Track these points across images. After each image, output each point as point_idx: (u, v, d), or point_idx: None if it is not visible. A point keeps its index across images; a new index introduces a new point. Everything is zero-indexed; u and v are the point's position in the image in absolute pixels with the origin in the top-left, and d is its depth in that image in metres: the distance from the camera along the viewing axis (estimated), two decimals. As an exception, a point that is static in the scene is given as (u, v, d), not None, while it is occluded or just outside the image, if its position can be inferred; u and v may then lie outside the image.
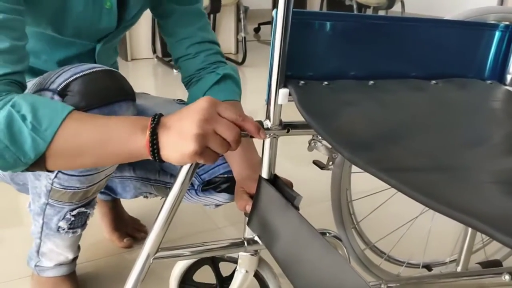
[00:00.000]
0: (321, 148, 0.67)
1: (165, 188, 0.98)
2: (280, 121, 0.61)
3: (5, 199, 1.42)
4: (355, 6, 3.78)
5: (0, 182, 0.96)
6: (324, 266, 0.54)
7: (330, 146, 0.66)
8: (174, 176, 0.96)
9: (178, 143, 0.54)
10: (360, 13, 3.75)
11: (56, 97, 0.69)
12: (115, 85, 0.73)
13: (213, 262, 0.81)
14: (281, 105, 0.59)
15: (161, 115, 0.57)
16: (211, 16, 3.29)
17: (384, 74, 0.69)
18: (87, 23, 0.81)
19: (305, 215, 0.57)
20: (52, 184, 0.79)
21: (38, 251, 0.92)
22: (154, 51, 3.36)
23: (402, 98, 0.65)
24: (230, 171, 0.86)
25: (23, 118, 0.57)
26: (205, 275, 0.82)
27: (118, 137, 0.58)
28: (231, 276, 0.83)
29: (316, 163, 0.71)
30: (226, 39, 3.58)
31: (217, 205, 0.94)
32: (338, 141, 0.50)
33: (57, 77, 0.70)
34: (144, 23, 3.23)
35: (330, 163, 0.69)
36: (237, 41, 3.62)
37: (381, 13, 3.86)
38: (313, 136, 0.67)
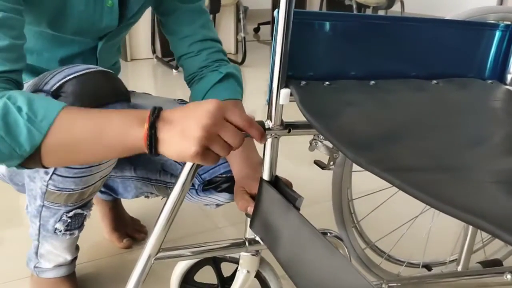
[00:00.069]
0: (322, 148, 0.67)
1: (166, 188, 0.98)
2: (282, 121, 0.61)
3: (5, 200, 1.42)
4: (354, 6, 3.78)
5: (0, 184, 0.96)
6: (326, 266, 0.54)
7: (331, 146, 0.66)
8: (175, 176, 0.96)
9: (180, 142, 0.53)
10: (360, 13, 3.75)
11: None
12: (109, 86, 0.72)
13: (215, 263, 0.81)
14: (282, 105, 0.59)
15: (160, 108, 0.56)
16: (211, 16, 3.29)
17: (385, 74, 0.69)
18: (88, 22, 0.81)
19: (306, 215, 0.57)
20: (47, 186, 0.79)
21: (36, 253, 0.92)
22: (154, 51, 3.36)
23: (403, 98, 0.66)
24: (230, 171, 0.86)
25: (19, 109, 0.56)
26: (205, 275, 0.82)
27: (114, 128, 0.57)
28: (232, 277, 0.83)
29: (317, 163, 0.71)
30: (226, 39, 3.58)
31: (217, 205, 0.94)
32: (341, 141, 0.50)
33: (51, 78, 0.70)
34: (144, 23, 3.23)
35: (331, 163, 0.69)
36: (237, 41, 3.62)
37: (381, 13, 3.86)
38: (314, 136, 0.68)
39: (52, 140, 0.57)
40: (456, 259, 1.05)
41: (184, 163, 0.61)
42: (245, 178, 0.78)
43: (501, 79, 0.77)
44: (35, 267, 0.95)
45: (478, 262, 1.06)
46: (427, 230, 1.06)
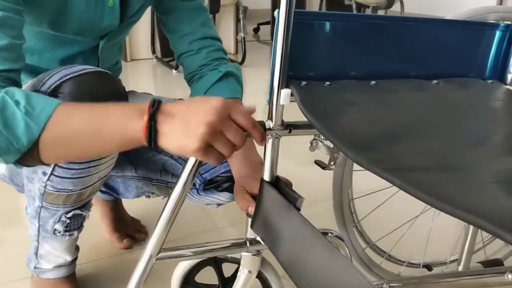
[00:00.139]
0: (323, 148, 0.67)
1: (167, 188, 0.98)
2: (282, 121, 0.61)
3: (5, 200, 1.42)
4: (354, 6, 3.78)
5: (0, 184, 0.96)
6: (326, 267, 0.54)
7: (332, 146, 0.66)
8: (176, 175, 0.96)
9: (182, 136, 0.53)
10: (359, 13, 3.75)
11: None
12: (107, 86, 0.72)
13: (216, 263, 0.81)
14: (283, 105, 0.59)
15: (160, 101, 0.55)
16: (210, 16, 3.29)
17: (385, 74, 0.69)
18: (90, 22, 0.81)
19: (306, 215, 0.57)
20: (45, 187, 0.79)
21: (36, 253, 0.92)
22: (154, 52, 3.36)
23: (404, 98, 0.66)
24: (231, 170, 0.86)
25: (17, 103, 0.56)
26: (206, 276, 0.82)
27: (113, 121, 0.56)
28: (232, 277, 0.83)
29: (317, 163, 0.71)
30: (226, 39, 3.58)
31: (218, 204, 0.94)
32: (342, 141, 0.50)
33: (48, 79, 0.70)
34: (144, 23, 3.23)
35: (332, 163, 0.69)
36: (237, 41, 3.62)
37: (380, 12, 3.86)
38: (315, 136, 0.68)
39: (50, 134, 0.56)
40: (457, 259, 1.05)
41: (185, 163, 0.61)
42: (245, 178, 0.78)
43: (502, 79, 0.77)
44: (35, 267, 0.95)
45: (479, 262, 1.06)
46: (427, 230, 1.06)
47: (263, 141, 0.58)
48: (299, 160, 1.76)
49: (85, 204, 0.87)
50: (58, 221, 0.85)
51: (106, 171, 0.83)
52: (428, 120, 0.61)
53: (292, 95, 0.59)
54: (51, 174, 0.77)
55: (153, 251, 0.62)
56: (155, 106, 0.54)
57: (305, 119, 0.56)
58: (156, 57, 3.35)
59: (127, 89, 0.82)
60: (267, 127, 0.60)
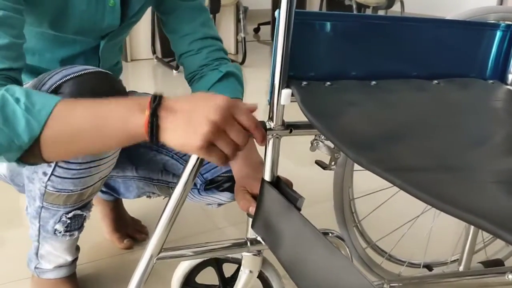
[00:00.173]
0: (323, 148, 0.67)
1: (168, 188, 0.98)
2: (283, 121, 0.61)
3: (6, 201, 1.42)
4: (354, 6, 3.78)
5: (1, 184, 0.96)
6: (327, 267, 0.54)
7: (332, 146, 0.67)
8: (177, 175, 0.96)
9: (185, 133, 0.53)
10: (360, 13, 3.75)
11: None
12: (107, 86, 0.72)
13: (217, 263, 0.81)
14: (283, 105, 0.60)
15: (161, 96, 0.55)
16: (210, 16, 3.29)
17: (386, 74, 0.69)
18: (90, 22, 0.81)
19: (307, 215, 0.57)
20: (45, 187, 0.79)
21: (37, 254, 0.92)
22: (154, 52, 3.36)
23: (404, 98, 0.66)
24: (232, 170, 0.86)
25: (17, 100, 0.56)
26: (206, 276, 0.82)
27: (114, 116, 0.56)
28: (233, 278, 0.83)
29: (318, 163, 0.71)
30: (226, 40, 3.58)
31: (219, 204, 0.94)
32: (342, 141, 0.50)
33: (49, 79, 0.70)
34: (144, 23, 3.23)
35: (333, 163, 0.69)
36: (237, 41, 3.62)
37: (381, 13, 3.86)
38: (315, 136, 0.68)
39: (51, 130, 0.56)
40: (457, 259, 1.04)
41: (186, 163, 0.61)
42: (246, 178, 0.78)
43: (502, 79, 0.77)
44: (35, 268, 0.95)
45: (480, 262, 1.06)
46: (428, 230, 1.06)
47: (263, 141, 0.58)
48: (300, 160, 1.76)
49: (85, 205, 0.87)
50: (59, 221, 0.85)
51: (107, 171, 0.83)
52: (429, 120, 0.61)
53: (292, 95, 0.59)
54: (52, 174, 0.77)
55: (154, 250, 0.62)
56: (157, 101, 0.54)
57: (306, 119, 0.56)
58: (157, 58, 3.36)
59: (127, 90, 0.83)
60: (267, 127, 0.60)
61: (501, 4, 3.41)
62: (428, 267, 1.08)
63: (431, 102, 0.66)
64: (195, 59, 0.94)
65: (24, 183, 0.84)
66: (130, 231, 1.23)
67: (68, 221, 0.86)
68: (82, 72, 0.70)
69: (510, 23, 0.76)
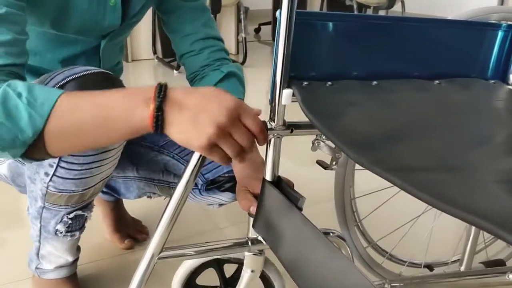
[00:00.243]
0: (324, 148, 0.67)
1: (168, 188, 0.98)
2: (284, 121, 0.61)
3: (6, 201, 1.42)
4: (355, 6, 3.78)
5: (2, 185, 0.96)
6: (328, 266, 0.54)
7: (333, 146, 0.67)
8: (178, 176, 0.96)
9: (189, 130, 0.53)
10: (361, 13, 3.75)
11: None
12: (109, 87, 0.72)
13: (218, 264, 0.81)
14: (284, 105, 0.60)
15: (166, 87, 0.54)
16: (211, 17, 3.29)
17: (387, 74, 0.69)
18: (92, 21, 0.81)
19: (308, 215, 0.57)
20: (47, 187, 0.79)
21: (37, 254, 0.92)
22: (155, 52, 3.36)
23: (405, 98, 0.66)
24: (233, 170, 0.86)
25: (19, 95, 0.56)
26: (206, 277, 0.82)
27: (118, 109, 0.55)
28: (233, 278, 0.83)
29: (319, 163, 0.71)
30: (227, 40, 3.54)
31: (220, 205, 0.94)
32: (343, 141, 0.50)
33: (50, 80, 0.70)
34: (145, 24, 3.23)
35: (334, 163, 0.69)
36: (238, 41, 3.62)
37: (382, 13, 3.86)
38: (316, 136, 0.68)
39: (54, 124, 0.56)
40: (458, 259, 1.04)
41: (188, 163, 0.61)
42: (247, 178, 0.78)
43: (504, 79, 0.77)
44: (36, 268, 0.95)
45: (481, 262, 1.06)
46: (429, 230, 1.06)
47: (264, 143, 0.58)
48: (301, 160, 1.76)
49: (87, 205, 0.87)
50: (60, 221, 0.85)
51: (108, 172, 0.83)
52: (430, 120, 0.61)
53: (293, 95, 0.59)
54: (54, 175, 0.77)
55: (155, 250, 0.62)
56: (162, 94, 0.53)
57: (307, 119, 0.56)
58: (157, 58, 3.36)
59: (128, 90, 0.82)
60: (268, 127, 0.60)
61: (501, 4, 3.41)
62: (429, 267, 1.08)
63: (432, 102, 0.66)
64: (196, 60, 0.94)
65: (26, 184, 0.84)
66: (131, 231, 1.23)
67: (70, 222, 0.86)
68: (84, 73, 0.70)
69: (511, 23, 0.76)
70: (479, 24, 0.77)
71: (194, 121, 0.52)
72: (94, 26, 0.83)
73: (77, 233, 0.90)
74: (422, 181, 0.42)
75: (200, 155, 0.60)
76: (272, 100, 0.59)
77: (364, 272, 0.88)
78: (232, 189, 0.88)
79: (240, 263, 0.77)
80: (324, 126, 0.53)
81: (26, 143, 0.56)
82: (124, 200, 1.23)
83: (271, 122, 0.60)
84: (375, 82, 0.67)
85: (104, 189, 1.12)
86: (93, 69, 0.72)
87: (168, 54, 3.26)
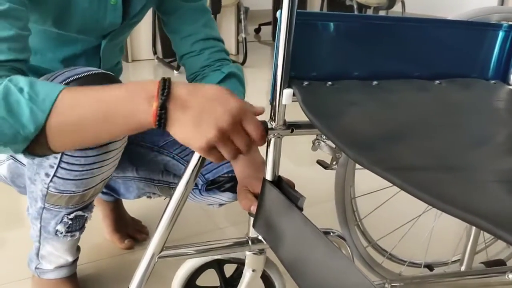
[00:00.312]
0: (325, 148, 0.67)
1: (169, 189, 0.98)
2: (284, 121, 0.61)
3: (6, 201, 1.42)
4: (355, 6, 3.78)
5: (2, 185, 0.96)
6: (328, 266, 0.54)
7: (334, 146, 0.67)
8: (177, 176, 0.96)
9: (190, 131, 0.53)
10: (361, 13, 3.75)
11: None
12: None
13: (218, 265, 0.81)
14: (285, 105, 0.60)
15: (169, 84, 0.54)
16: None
17: (387, 74, 0.69)
18: (92, 19, 0.81)
19: (308, 215, 0.57)
20: (47, 188, 0.79)
21: (37, 254, 0.92)
22: (155, 52, 3.36)
23: (406, 98, 0.66)
24: (233, 170, 0.86)
25: (20, 90, 0.55)
26: (206, 278, 0.82)
27: (121, 104, 0.55)
28: (233, 278, 0.83)
29: (319, 163, 0.71)
30: (227, 40, 3.55)
31: (220, 204, 0.94)
32: (343, 141, 0.50)
33: (51, 81, 0.70)
34: (145, 24, 3.23)
35: (334, 162, 0.69)
36: (238, 42, 3.62)
37: (382, 13, 3.86)
38: (317, 136, 0.68)
39: (56, 120, 0.55)
40: (459, 259, 1.04)
41: (188, 164, 0.61)
42: (248, 178, 0.78)
43: (504, 79, 0.77)
44: (36, 268, 0.95)
45: (482, 262, 1.06)
46: (429, 230, 1.06)
47: (262, 144, 0.58)
48: (301, 160, 1.76)
49: (87, 205, 0.87)
50: (60, 222, 0.85)
51: (109, 173, 0.83)
52: (430, 120, 0.61)
53: (294, 95, 0.59)
54: (54, 175, 0.77)
55: (155, 249, 0.62)
56: (166, 91, 0.53)
57: (307, 119, 0.56)
58: (158, 58, 3.36)
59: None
60: (269, 127, 0.60)
61: (502, 4, 3.41)
62: (429, 267, 1.08)
63: (433, 102, 0.66)
64: (197, 60, 0.94)
65: (26, 184, 0.84)
66: (131, 231, 1.23)
67: (70, 222, 0.86)
68: (85, 74, 0.70)
69: (512, 23, 0.76)
70: (480, 24, 0.77)
71: (196, 122, 0.53)
72: (95, 25, 0.83)
73: (77, 234, 0.90)
74: (422, 181, 0.42)
75: (200, 156, 0.60)
76: (272, 100, 0.60)
77: (364, 272, 0.88)
78: (232, 189, 0.88)
79: (240, 263, 0.77)
80: (324, 126, 0.53)
81: (28, 139, 0.56)
82: (124, 200, 1.23)
83: (271, 122, 0.60)
84: (375, 82, 0.67)
85: (104, 190, 1.12)
86: (94, 70, 0.72)
87: (168, 55, 3.26)
